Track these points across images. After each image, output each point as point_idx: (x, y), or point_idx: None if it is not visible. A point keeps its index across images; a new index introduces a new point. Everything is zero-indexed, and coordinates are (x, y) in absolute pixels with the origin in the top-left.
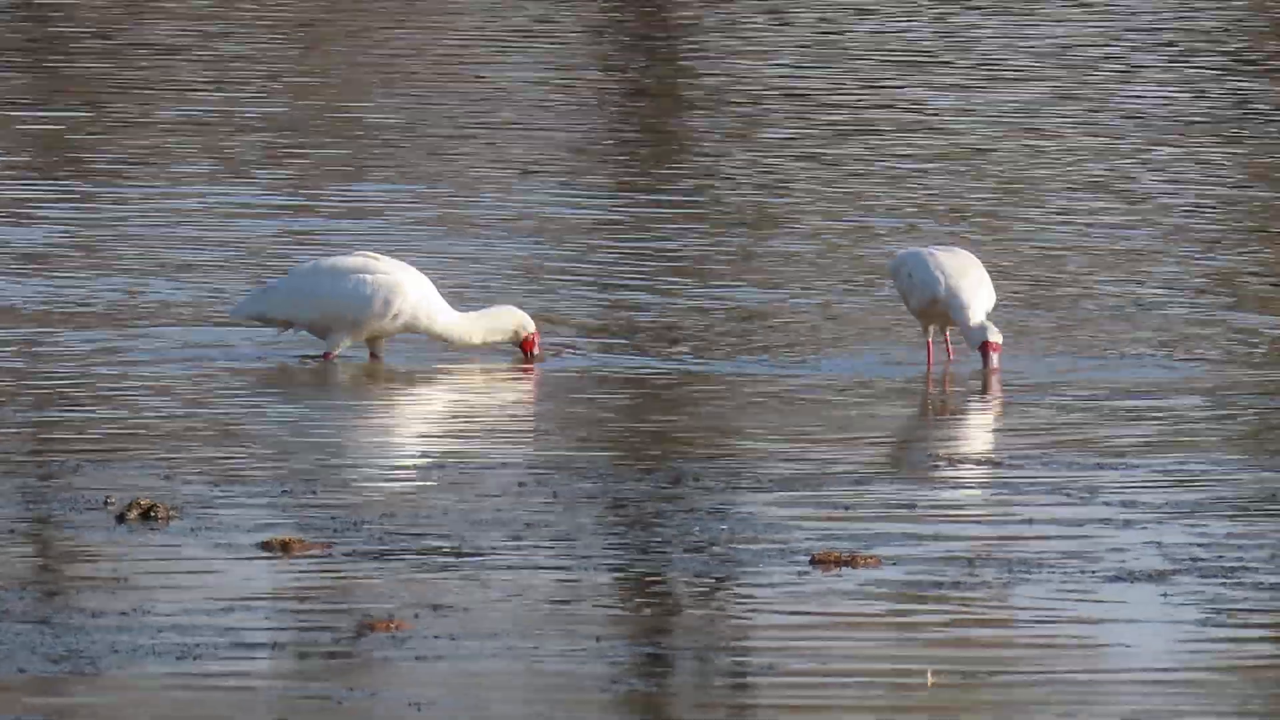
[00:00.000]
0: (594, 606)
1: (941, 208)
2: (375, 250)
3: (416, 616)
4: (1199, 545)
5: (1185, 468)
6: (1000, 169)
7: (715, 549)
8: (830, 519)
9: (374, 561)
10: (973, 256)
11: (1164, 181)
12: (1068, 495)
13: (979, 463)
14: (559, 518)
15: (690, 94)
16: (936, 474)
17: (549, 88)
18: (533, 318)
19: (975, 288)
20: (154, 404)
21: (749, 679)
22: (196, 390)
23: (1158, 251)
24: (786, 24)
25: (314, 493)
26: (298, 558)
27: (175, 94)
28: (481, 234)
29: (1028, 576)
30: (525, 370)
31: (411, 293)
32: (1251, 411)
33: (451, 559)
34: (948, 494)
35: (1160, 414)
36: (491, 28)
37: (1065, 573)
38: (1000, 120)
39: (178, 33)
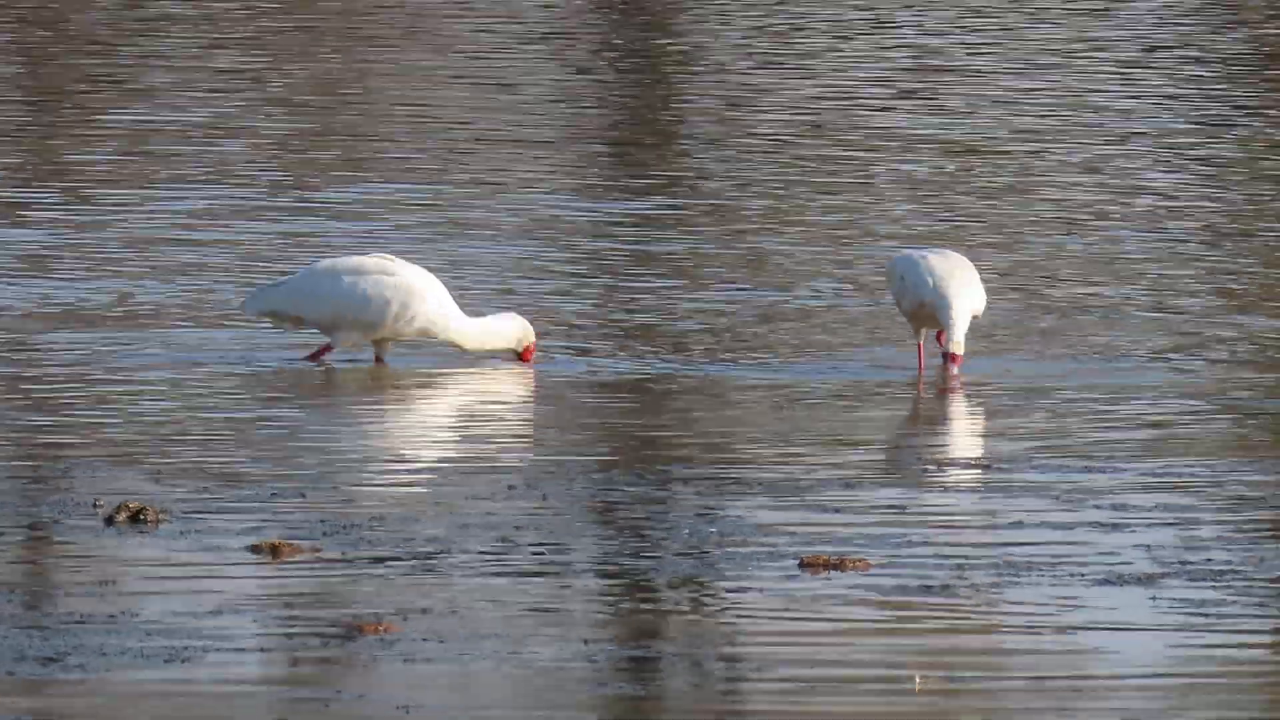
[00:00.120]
0: (582, 609)
1: (941, 208)
2: (377, 252)
3: (405, 619)
4: (1188, 549)
5: (1175, 471)
6: (1000, 169)
7: (704, 552)
8: (819, 524)
9: (363, 564)
10: (965, 260)
11: (1163, 182)
12: (1057, 498)
13: (969, 466)
14: (548, 521)
15: (690, 95)
16: (926, 477)
17: (549, 88)
18: (528, 320)
19: (962, 291)
20: (144, 407)
21: (737, 681)
22: (186, 393)
23: (1151, 257)
24: (791, 28)
25: (303, 495)
26: (287, 561)
27: (175, 94)
28: (481, 235)
29: (1017, 579)
30: (515, 373)
31: (429, 298)
32: (1242, 414)
33: (440, 562)
34: (937, 497)
35: (1150, 417)
36: (492, 28)
37: (1055, 576)
38: (1000, 120)
39: (178, 34)
